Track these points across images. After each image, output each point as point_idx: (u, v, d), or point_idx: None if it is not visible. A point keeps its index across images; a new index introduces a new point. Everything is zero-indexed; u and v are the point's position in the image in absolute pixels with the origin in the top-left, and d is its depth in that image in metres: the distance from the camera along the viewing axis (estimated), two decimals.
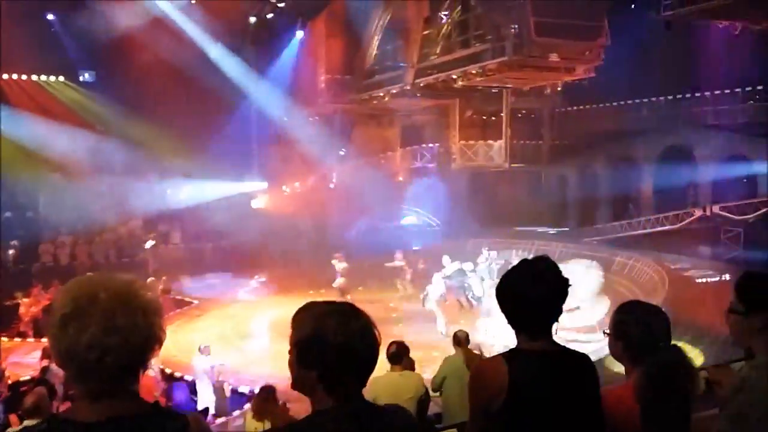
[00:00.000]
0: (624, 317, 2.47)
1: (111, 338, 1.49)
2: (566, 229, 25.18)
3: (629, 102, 25.63)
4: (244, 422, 7.06)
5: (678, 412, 2.29)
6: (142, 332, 1.53)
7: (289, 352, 1.75)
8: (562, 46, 19.54)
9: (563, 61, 20.10)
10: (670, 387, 2.27)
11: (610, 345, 2.50)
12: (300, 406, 2.27)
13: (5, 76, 22.86)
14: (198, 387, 10.64)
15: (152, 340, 1.56)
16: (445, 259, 16.40)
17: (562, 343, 2.22)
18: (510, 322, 2.22)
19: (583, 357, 2.25)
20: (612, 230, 23.84)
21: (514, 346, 2.23)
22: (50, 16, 22.92)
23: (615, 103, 26.12)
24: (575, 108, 27.10)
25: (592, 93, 24.93)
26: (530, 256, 2.35)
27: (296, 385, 1.76)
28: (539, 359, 2.16)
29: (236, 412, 9.57)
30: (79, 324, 1.48)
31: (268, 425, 6.23)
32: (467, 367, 6.15)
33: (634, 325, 2.42)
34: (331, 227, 23.14)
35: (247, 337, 14.54)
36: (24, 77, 23.37)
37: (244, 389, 10.96)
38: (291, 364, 1.75)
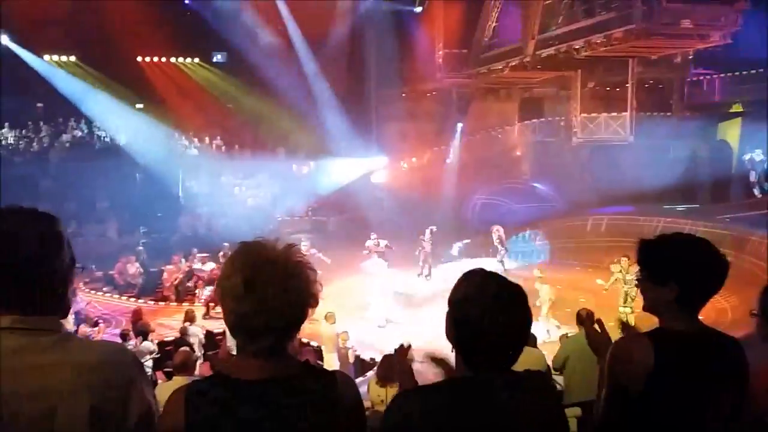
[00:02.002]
0: None
1: (281, 301, 1.59)
2: (696, 206, 23.82)
3: None
4: (367, 389, 6.97)
5: None
6: (304, 293, 1.64)
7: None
8: (696, 12, 18.27)
9: (696, 28, 18.77)
10: None
11: (760, 326, 2.39)
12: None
13: (147, 59, 24.60)
14: (324, 353, 11.16)
15: (311, 299, 1.66)
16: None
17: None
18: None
19: (732, 340, 2.14)
20: (748, 207, 22.27)
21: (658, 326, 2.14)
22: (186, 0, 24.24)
23: (753, 71, 24.19)
24: (708, 76, 25.37)
25: (728, 60, 23.20)
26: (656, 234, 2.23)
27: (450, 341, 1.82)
28: (687, 340, 2.06)
29: (359, 379, 9.73)
30: (255, 290, 1.58)
31: (392, 392, 6.06)
32: (590, 346, 6.09)
33: None
34: (447, 202, 23.27)
35: (369, 307, 14.93)
36: (163, 59, 25.03)
37: (366, 357, 11.43)
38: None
